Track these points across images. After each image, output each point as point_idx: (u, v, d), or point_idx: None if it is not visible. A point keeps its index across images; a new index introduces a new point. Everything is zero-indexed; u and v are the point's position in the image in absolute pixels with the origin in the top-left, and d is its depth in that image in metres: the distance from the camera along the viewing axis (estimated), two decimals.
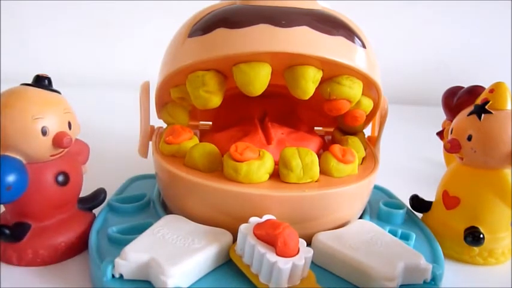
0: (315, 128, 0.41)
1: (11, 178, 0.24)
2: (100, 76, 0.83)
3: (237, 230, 0.25)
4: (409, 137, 0.64)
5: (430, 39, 0.86)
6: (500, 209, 0.29)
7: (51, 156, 0.27)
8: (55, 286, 0.26)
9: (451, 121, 0.32)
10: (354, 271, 0.25)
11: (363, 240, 0.27)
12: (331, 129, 0.39)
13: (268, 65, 0.28)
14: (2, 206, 0.29)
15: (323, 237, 0.27)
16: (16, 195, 0.25)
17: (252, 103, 0.35)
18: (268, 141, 0.32)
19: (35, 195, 0.27)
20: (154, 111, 0.35)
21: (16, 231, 0.27)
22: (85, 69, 0.83)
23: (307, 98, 0.29)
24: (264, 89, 0.29)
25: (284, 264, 0.22)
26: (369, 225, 0.29)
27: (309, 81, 0.28)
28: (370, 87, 0.31)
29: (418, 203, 0.34)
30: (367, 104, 0.33)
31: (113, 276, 0.24)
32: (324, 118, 0.37)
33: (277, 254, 0.23)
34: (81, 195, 0.30)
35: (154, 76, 0.34)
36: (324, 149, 0.34)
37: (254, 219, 0.25)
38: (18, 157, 0.26)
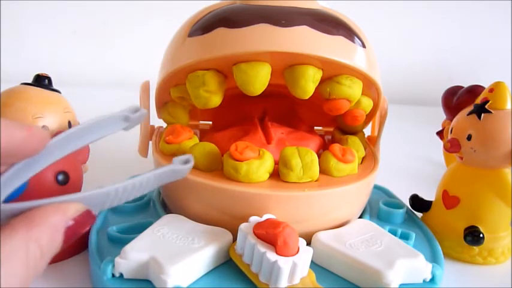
0: (315, 127, 0.41)
1: None
2: (100, 76, 0.83)
3: (237, 229, 0.25)
4: (409, 136, 0.64)
5: (430, 39, 0.86)
6: (500, 208, 0.30)
7: None
8: (55, 285, 0.26)
9: (451, 121, 0.32)
10: (353, 270, 0.25)
11: (362, 240, 0.27)
12: (331, 129, 0.39)
13: (268, 65, 0.28)
14: None
15: (323, 237, 0.27)
16: (16, 194, 0.25)
17: (252, 103, 0.35)
18: (268, 140, 0.32)
19: (35, 195, 0.27)
20: (154, 110, 0.35)
21: None
22: (85, 69, 0.83)
23: (307, 97, 0.29)
24: (264, 89, 0.29)
25: (284, 263, 0.22)
26: (368, 225, 0.29)
27: (309, 81, 0.28)
28: (369, 86, 0.31)
29: (417, 202, 0.34)
30: (367, 104, 0.33)
31: (113, 275, 0.24)
32: (324, 118, 0.37)
33: (277, 253, 0.23)
34: None
35: (154, 76, 0.34)
36: (323, 148, 0.34)
37: (254, 219, 0.25)
38: None
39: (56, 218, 0.17)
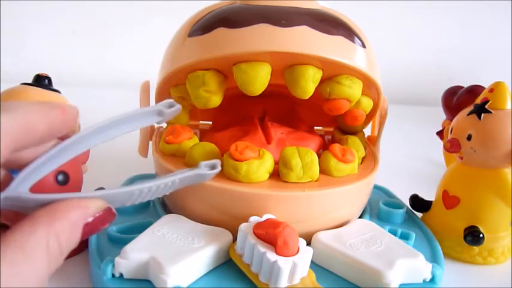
0: (315, 127, 0.41)
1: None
2: (100, 76, 0.83)
3: (237, 229, 0.25)
4: (409, 137, 0.64)
5: (430, 39, 0.86)
6: (500, 208, 0.30)
7: None
8: (55, 286, 0.26)
9: (451, 121, 0.32)
10: (353, 270, 0.25)
11: (362, 240, 0.27)
12: (331, 129, 0.39)
13: (268, 65, 0.28)
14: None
15: (323, 237, 0.27)
16: None
17: (252, 103, 0.35)
18: (268, 140, 0.32)
19: None
20: None
21: None
22: (85, 69, 0.83)
23: (307, 97, 0.29)
24: (264, 89, 0.29)
25: (284, 263, 0.22)
26: (368, 225, 0.29)
27: (309, 81, 0.28)
28: (369, 86, 0.31)
29: (418, 202, 0.34)
30: (367, 104, 0.33)
31: (113, 275, 0.24)
32: (324, 118, 0.37)
33: (277, 253, 0.23)
34: None
35: (154, 76, 0.34)
36: (323, 148, 0.34)
37: (254, 219, 0.25)
38: None
39: (76, 214, 0.17)
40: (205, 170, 0.23)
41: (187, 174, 0.22)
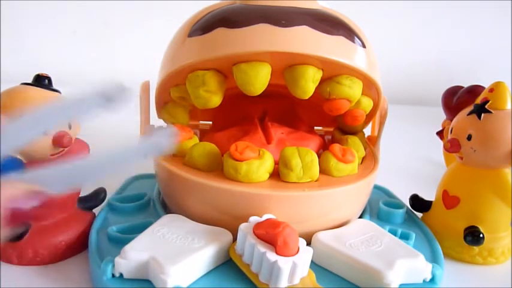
0: (315, 127, 0.41)
1: None
2: (100, 76, 0.83)
3: (237, 229, 0.25)
4: (409, 137, 0.64)
5: (430, 40, 0.86)
6: (500, 208, 0.30)
7: (51, 155, 0.27)
8: (55, 286, 0.26)
9: (451, 121, 0.32)
10: (353, 270, 0.25)
11: (362, 240, 0.27)
12: (331, 129, 0.39)
13: (268, 65, 0.28)
14: None
15: (323, 237, 0.27)
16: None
17: (252, 103, 0.35)
18: (268, 140, 0.32)
19: None
20: (154, 111, 0.35)
21: None
22: (85, 69, 0.83)
23: (307, 97, 0.29)
24: (264, 89, 0.29)
25: (284, 263, 0.22)
26: (368, 225, 0.29)
27: (309, 81, 0.28)
28: (370, 86, 0.31)
29: (418, 202, 0.34)
30: (367, 104, 0.33)
31: (113, 275, 0.24)
32: (324, 118, 0.37)
33: (277, 253, 0.23)
34: (81, 194, 0.30)
35: (154, 76, 0.34)
36: (323, 148, 0.34)
37: (254, 219, 0.25)
38: (18, 156, 0.26)
39: None
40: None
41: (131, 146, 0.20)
